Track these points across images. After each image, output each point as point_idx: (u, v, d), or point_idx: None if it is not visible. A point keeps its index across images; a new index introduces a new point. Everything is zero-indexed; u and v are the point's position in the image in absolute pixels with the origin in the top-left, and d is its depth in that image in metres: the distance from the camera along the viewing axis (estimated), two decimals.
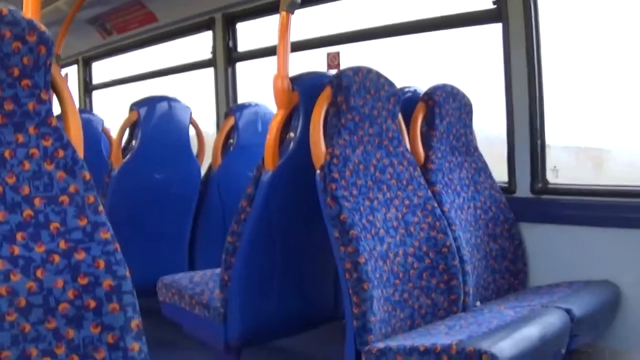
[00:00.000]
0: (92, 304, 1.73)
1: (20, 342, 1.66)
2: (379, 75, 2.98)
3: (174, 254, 4.42)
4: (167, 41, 5.82)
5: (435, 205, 3.05)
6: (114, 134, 4.99)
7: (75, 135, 1.90)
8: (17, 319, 1.66)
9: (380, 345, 2.54)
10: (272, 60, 4.79)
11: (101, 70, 6.91)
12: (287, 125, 2.96)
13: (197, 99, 5.20)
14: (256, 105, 4.52)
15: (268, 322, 3.09)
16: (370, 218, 2.77)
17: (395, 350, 2.46)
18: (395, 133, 3.03)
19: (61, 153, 1.80)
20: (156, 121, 4.30)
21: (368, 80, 2.92)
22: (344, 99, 2.82)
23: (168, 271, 3.68)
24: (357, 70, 2.90)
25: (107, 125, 5.46)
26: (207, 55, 5.28)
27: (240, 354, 3.12)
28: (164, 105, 4.36)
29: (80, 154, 1.85)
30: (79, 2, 5.34)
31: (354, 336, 2.62)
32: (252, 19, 5.05)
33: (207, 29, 5.21)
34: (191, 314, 3.22)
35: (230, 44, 5.07)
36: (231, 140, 4.44)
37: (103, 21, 6.04)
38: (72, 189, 1.79)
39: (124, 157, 4.23)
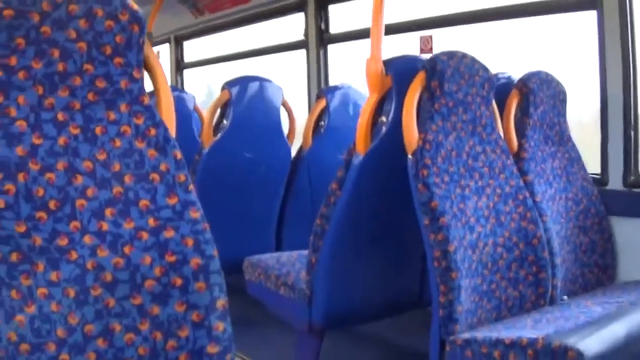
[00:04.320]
0: (179, 282, 1.74)
1: (104, 316, 1.68)
2: (473, 60, 2.93)
3: (262, 233, 4.45)
4: (258, 22, 5.83)
5: (527, 195, 2.99)
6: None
7: (168, 114, 1.90)
8: (102, 294, 1.68)
9: (466, 335, 2.51)
10: (362, 43, 4.84)
11: (193, 49, 6.99)
12: (379, 109, 2.94)
13: (288, 80, 5.21)
14: (348, 87, 4.50)
15: (353, 306, 3.09)
16: (461, 206, 2.73)
17: (480, 342, 2.43)
18: (489, 120, 2.98)
19: (153, 131, 1.81)
20: (248, 101, 4.33)
21: (462, 65, 2.87)
22: (438, 84, 2.78)
23: (255, 250, 3.71)
24: (451, 55, 2.85)
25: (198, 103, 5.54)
26: (299, 36, 5.26)
27: (323, 336, 3.13)
28: (256, 85, 4.38)
29: (172, 132, 1.86)
30: None
31: (440, 325, 2.59)
32: (344, 0, 5.01)
33: (299, 10, 5.20)
34: (276, 294, 3.24)
35: (323, 25, 5.05)
36: (322, 122, 4.44)
37: (195, 1, 6.08)
38: (163, 167, 1.80)
39: (214, 136, 4.28)
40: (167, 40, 6.98)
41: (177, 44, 6.95)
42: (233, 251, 3.59)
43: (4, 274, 1.60)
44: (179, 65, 6.99)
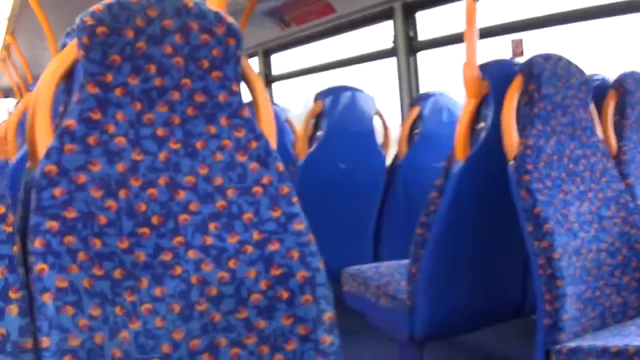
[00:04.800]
0: (285, 295, 1.74)
1: (210, 331, 1.69)
2: (569, 62, 2.86)
3: (359, 244, 4.45)
4: (346, 32, 5.84)
5: (629, 198, 2.91)
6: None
7: (268, 127, 1.90)
8: (207, 309, 1.69)
9: (572, 344, 2.45)
10: (449, 49, 4.81)
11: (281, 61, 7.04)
12: (477, 114, 2.90)
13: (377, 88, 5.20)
14: (441, 94, 4.46)
15: (454, 316, 3.05)
16: (564, 212, 2.67)
17: (586, 351, 2.37)
18: (588, 122, 2.90)
19: (254, 144, 1.81)
20: (341, 111, 4.34)
21: (559, 68, 2.81)
22: (536, 87, 2.73)
23: (352, 261, 3.70)
24: (547, 58, 2.79)
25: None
26: (387, 44, 5.24)
27: (424, 346, 3.10)
28: (348, 95, 4.39)
29: (273, 144, 1.86)
30: None
31: (544, 334, 2.54)
32: (431, 7, 4.99)
33: (387, 18, 5.18)
34: (376, 305, 3.22)
35: (411, 33, 5.02)
36: (416, 130, 4.40)
37: (282, 13, 6.12)
38: (265, 180, 1.80)
39: (309, 147, 4.30)
40: (255, 54, 7.05)
41: (265, 56, 7.00)
42: (330, 262, 3.59)
43: (107, 291, 1.62)
44: (268, 78, 7.05)
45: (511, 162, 2.65)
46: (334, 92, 4.37)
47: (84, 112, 1.67)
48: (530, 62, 2.76)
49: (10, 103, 13.26)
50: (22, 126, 4.27)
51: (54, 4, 5.85)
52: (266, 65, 7.04)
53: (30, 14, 6.56)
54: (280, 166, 1.83)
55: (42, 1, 5.81)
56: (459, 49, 3.10)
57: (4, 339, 1.49)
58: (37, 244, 1.57)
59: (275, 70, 7.11)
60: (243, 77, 1.88)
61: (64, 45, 1.76)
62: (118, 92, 1.70)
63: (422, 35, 5.06)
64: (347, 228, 4.36)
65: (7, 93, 12.55)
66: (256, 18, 5.88)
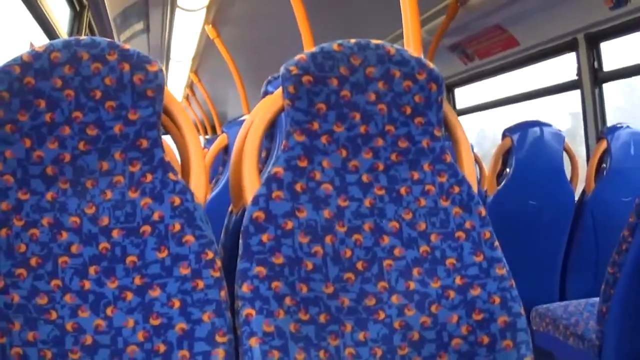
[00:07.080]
0: (486, 340, 1.76)
1: None
2: None
3: (546, 281, 4.35)
4: (528, 65, 5.77)
5: None
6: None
7: (469, 171, 1.93)
8: (409, 353, 1.73)
9: None
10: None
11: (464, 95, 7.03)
12: None
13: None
14: (627, 127, 4.34)
15: None
16: None
17: None
18: None
19: (456, 189, 1.85)
20: (529, 147, 4.30)
21: None
22: None
23: (539, 299, 3.64)
24: None
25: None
26: (569, 77, 5.15)
27: None
28: (536, 131, 4.34)
29: (475, 189, 1.89)
30: (441, 30, 5.49)
31: None
32: (615, 37, 4.86)
33: (570, 50, 5.09)
34: (564, 345, 3.17)
35: (596, 64, 4.92)
36: (604, 165, 4.30)
37: (464, 47, 6.13)
38: (467, 224, 1.84)
39: (498, 184, 4.30)
40: None
41: (449, 91, 7.00)
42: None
43: (312, 335, 1.66)
44: None
45: None
46: (522, 128, 4.34)
47: (291, 160, 1.75)
48: None
49: None
50: (216, 165, 4.46)
51: (235, 44, 6.09)
52: (449, 99, 7.03)
53: (212, 54, 6.82)
54: (482, 211, 1.86)
55: (225, 42, 6.06)
56: None
57: None
58: (245, 289, 1.64)
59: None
60: (445, 121, 1.91)
61: (265, 93, 1.86)
62: (324, 139, 1.77)
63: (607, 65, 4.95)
64: (535, 264, 4.27)
65: None
66: (439, 53, 5.92)
